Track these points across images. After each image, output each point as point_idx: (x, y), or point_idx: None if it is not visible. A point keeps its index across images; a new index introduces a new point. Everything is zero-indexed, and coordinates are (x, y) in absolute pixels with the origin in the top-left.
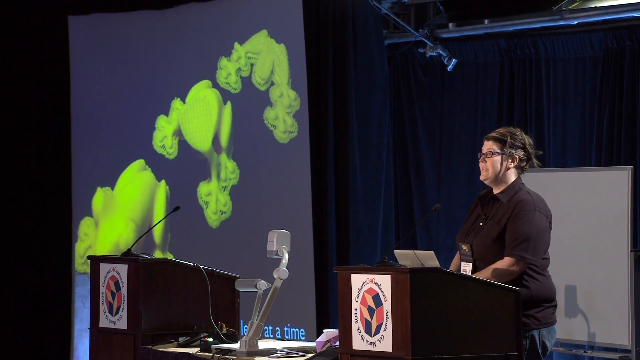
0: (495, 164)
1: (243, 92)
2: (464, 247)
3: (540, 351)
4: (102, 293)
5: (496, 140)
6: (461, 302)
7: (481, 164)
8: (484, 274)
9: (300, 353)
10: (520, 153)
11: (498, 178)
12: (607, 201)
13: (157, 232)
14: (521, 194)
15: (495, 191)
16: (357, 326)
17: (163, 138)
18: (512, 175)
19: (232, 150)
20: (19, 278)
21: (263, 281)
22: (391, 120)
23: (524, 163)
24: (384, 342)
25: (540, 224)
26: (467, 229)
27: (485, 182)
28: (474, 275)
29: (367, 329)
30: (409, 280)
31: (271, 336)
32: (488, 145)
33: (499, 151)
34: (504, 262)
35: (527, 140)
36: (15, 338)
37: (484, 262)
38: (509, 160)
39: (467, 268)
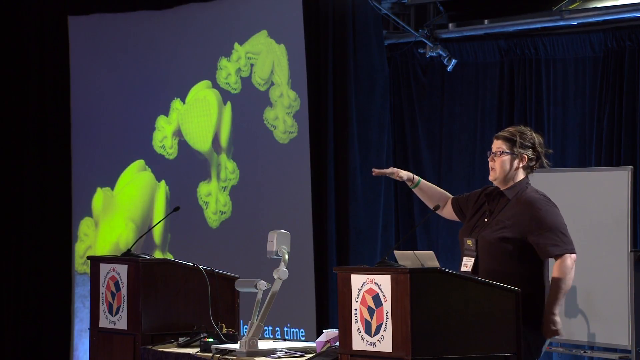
0: (504, 164)
1: (243, 92)
2: (469, 241)
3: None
4: (102, 293)
5: (506, 139)
6: (461, 302)
7: (490, 164)
8: (558, 288)
9: (300, 353)
10: (529, 153)
11: (507, 178)
12: (607, 201)
13: (157, 232)
14: (529, 192)
15: (502, 188)
16: (357, 326)
17: (163, 138)
18: (520, 174)
19: (232, 151)
20: (19, 278)
21: (263, 281)
22: (391, 121)
23: (533, 163)
24: (384, 343)
25: (560, 214)
26: (473, 225)
27: (494, 182)
28: (553, 301)
29: (367, 329)
30: (409, 280)
31: (271, 336)
32: (497, 145)
33: (508, 151)
34: (563, 264)
35: (537, 139)
36: (15, 338)
37: (488, 258)
38: (518, 160)
39: (468, 263)
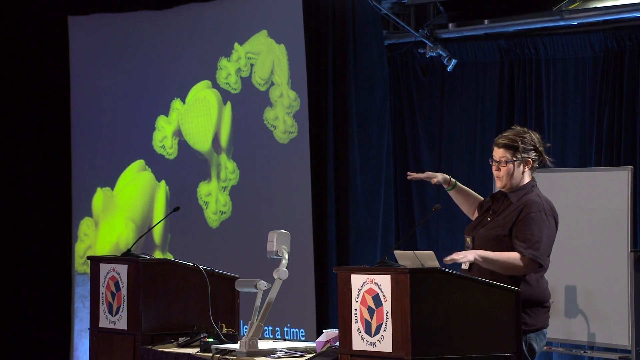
0: (510, 172)
1: (243, 92)
2: (468, 238)
3: (527, 353)
4: (102, 293)
5: (507, 147)
6: (461, 302)
7: (495, 172)
8: (499, 255)
9: (300, 353)
10: (532, 155)
11: (515, 184)
12: (607, 201)
13: (157, 233)
14: (531, 196)
15: (509, 191)
16: (357, 326)
17: (163, 138)
18: (526, 177)
19: (232, 151)
20: (19, 278)
21: (263, 281)
22: (391, 121)
23: (537, 163)
24: (384, 343)
25: (551, 226)
26: (476, 223)
27: (503, 189)
28: (488, 252)
29: (367, 329)
30: (408, 280)
31: (271, 336)
32: (500, 153)
33: (512, 159)
34: (522, 259)
35: (536, 138)
36: (15, 338)
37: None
38: (523, 165)
39: None
